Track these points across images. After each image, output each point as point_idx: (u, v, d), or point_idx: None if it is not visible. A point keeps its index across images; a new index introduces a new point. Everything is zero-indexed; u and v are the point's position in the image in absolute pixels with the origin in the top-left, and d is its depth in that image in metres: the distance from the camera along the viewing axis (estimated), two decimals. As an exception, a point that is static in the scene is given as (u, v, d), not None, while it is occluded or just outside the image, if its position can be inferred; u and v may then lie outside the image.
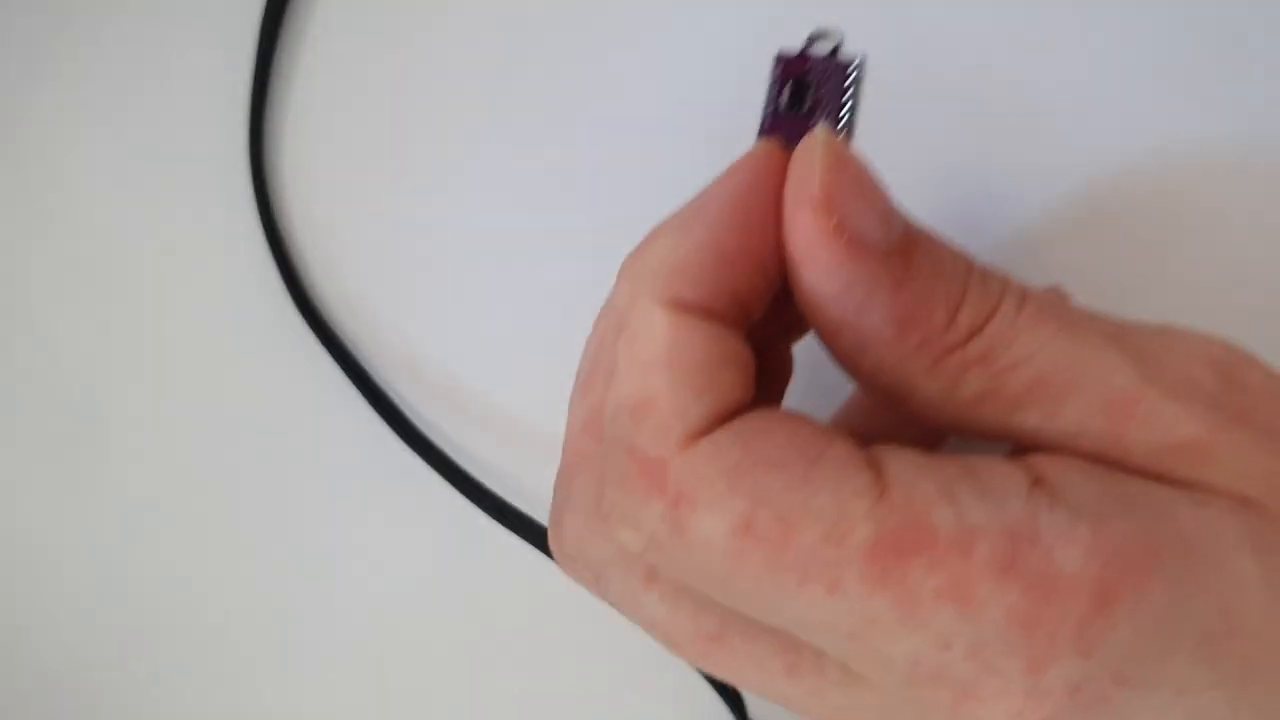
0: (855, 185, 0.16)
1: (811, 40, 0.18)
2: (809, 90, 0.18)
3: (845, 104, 0.18)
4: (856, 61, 0.18)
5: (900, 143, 0.21)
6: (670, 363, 0.15)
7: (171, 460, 0.29)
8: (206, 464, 0.28)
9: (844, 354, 0.17)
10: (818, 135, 0.16)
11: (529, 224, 0.27)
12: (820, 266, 0.16)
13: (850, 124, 0.18)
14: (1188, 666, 0.15)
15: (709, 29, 0.26)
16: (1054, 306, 0.17)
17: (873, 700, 0.16)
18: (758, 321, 0.17)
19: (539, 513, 0.25)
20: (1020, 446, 0.17)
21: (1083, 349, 0.16)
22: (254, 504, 0.28)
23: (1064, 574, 0.14)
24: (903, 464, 0.15)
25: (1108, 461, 0.16)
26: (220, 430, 0.28)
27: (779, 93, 0.18)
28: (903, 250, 0.16)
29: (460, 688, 0.27)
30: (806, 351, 0.20)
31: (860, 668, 0.15)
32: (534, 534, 0.25)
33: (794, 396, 0.20)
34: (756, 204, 0.16)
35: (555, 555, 0.19)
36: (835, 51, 0.18)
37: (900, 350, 0.16)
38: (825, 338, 0.17)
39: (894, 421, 0.19)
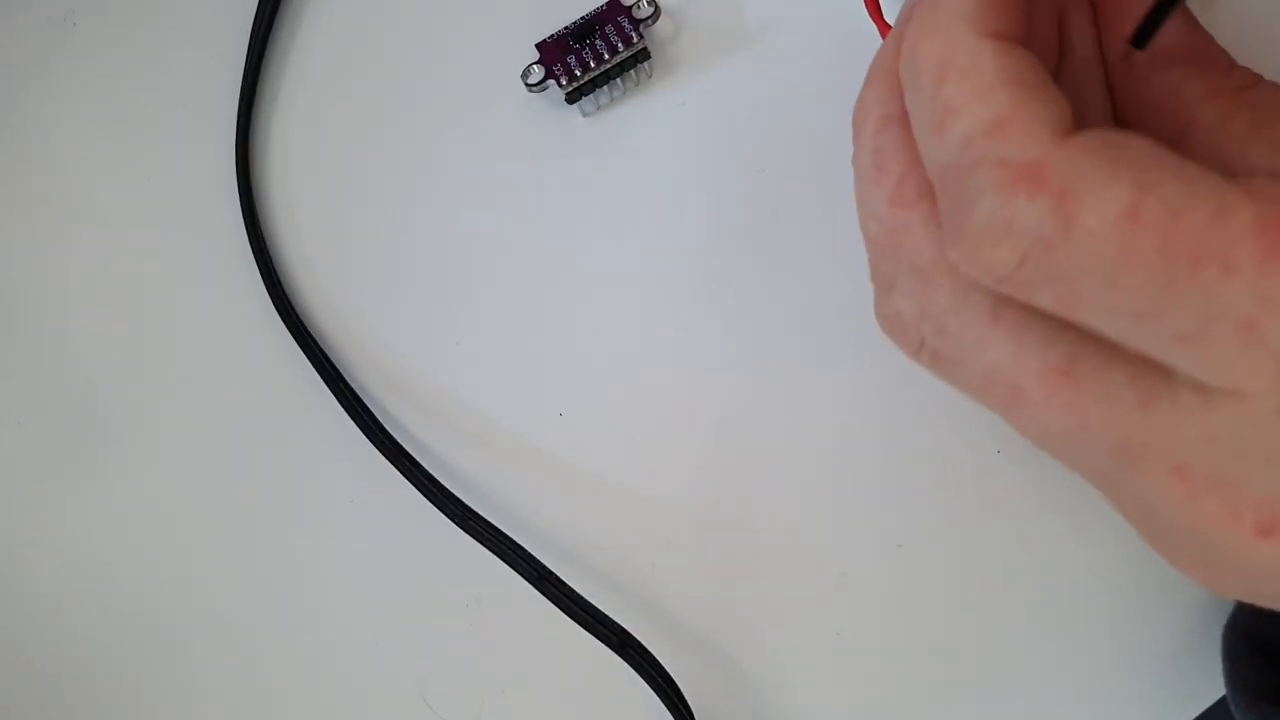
0: None
1: None
2: None
3: None
4: None
5: None
6: (1011, 82, 0.15)
7: (155, 462, 0.29)
8: (185, 466, 0.28)
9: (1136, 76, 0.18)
10: None
11: (515, 235, 0.27)
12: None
13: None
14: None
15: None
16: None
17: (1229, 423, 0.14)
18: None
19: (507, 523, 0.25)
20: None
21: None
22: (233, 509, 0.28)
23: None
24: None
25: None
26: (202, 434, 0.28)
27: None
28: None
29: (421, 694, 0.27)
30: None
31: (1232, 375, 0.14)
32: (501, 544, 0.25)
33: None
34: None
35: (886, 329, 0.19)
36: None
37: (1187, 74, 0.17)
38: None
39: None
